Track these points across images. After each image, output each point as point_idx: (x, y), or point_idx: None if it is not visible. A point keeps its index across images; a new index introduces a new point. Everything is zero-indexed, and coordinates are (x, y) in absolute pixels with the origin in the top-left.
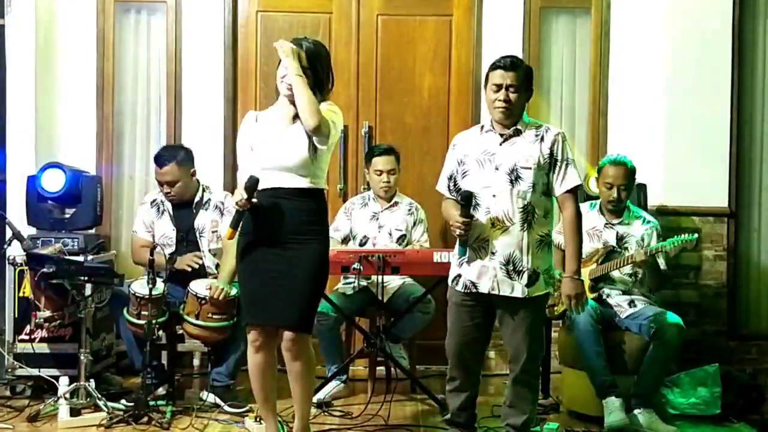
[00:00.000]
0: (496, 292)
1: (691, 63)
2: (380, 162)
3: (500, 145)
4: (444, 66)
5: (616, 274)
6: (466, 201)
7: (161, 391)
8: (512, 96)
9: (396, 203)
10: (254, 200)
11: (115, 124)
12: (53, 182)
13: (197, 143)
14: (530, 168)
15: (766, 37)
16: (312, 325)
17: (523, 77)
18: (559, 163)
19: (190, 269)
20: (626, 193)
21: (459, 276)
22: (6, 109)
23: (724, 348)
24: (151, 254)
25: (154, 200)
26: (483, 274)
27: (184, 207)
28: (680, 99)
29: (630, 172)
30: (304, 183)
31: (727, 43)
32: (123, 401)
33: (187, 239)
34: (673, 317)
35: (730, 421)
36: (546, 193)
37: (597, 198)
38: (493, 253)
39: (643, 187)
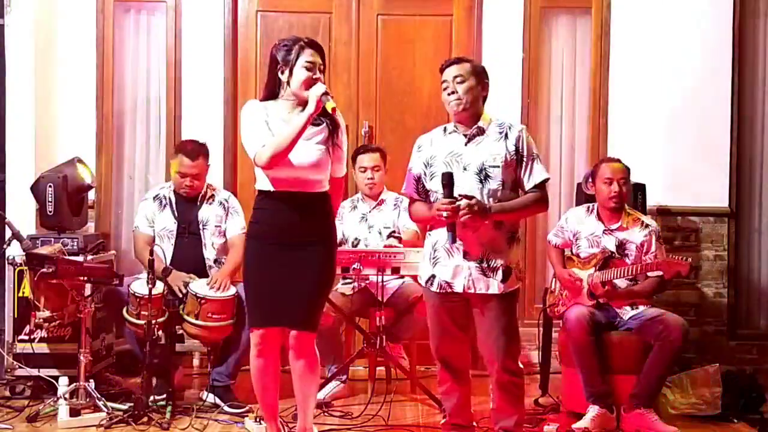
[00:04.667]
0: (471, 290)
1: (691, 63)
2: (365, 159)
3: (465, 145)
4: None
5: (618, 281)
6: (448, 181)
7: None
8: (459, 87)
9: (382, 201)
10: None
11: (115, 123)
12: (87, 175)
13: None
14: (498, 166)
15: (766, 37)
16: (317, 325)
17: (470, 69)
18: (525, 159)
19: (176, 288)
20: (626, 187)
21: (433, 276)
22: (6, 109)
23: (724, 348)
24: (151, 254)
25: (157, 195)
26: (458, 274)
27: (188, 200)
28: (680, 99)
29: (626, 168)
30: (319, 187)
31: (727, 43)
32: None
33: (189, 231)
34: (676, 317)
35: (730, 421)
36: (514, 189)
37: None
38: (466, 253)
39: (642, 187)
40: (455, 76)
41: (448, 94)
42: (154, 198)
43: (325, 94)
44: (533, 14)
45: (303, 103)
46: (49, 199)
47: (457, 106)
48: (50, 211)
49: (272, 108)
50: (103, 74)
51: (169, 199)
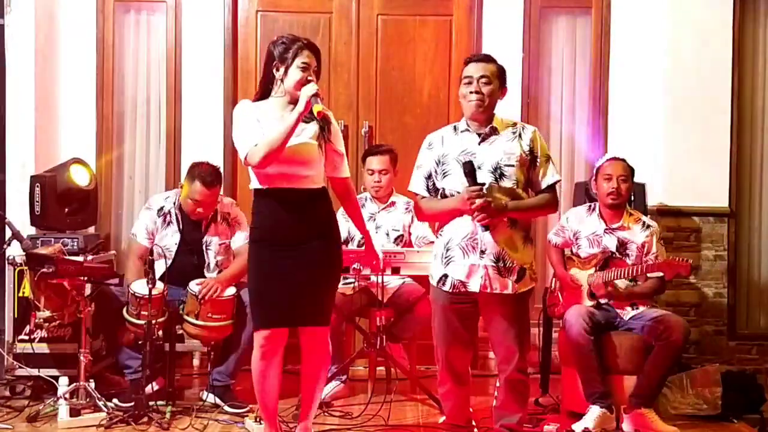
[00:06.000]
0: (488, 290)
1: (691, 63)
2: (373, 162)
3: (479, 144)
4: (444, 66)
5: (619, 282)
6: (470, 169)
7: (154, 386)
8: (484, 88)
9: (393, 203)
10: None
11: (115, 123)
12: (82, 177)
13: (197, 143)
14: (513, 165)
15: (766, 38)
16: (330, 318)
17: (495, 72)
18: (539, 160)
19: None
20: (626, 185)
21: (446, 276)
22: (6, 109)
23: (724, 348)
24: (151, 254)
25: (162, 208)
26: (473, 273)
27: (193, 221)
28: (680, 99)
29: (628, 167)
30: (312, 183)
31: (727, 43)
32: (115, 400)
33: (194, 251)
34: (678, 318)
35: (730, 421)
36: (525, 189)
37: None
38: (483, 252)
39: (642, 187)
40: (482, 76)
41: (471, 92)
42: (159, 211)
43: (316, 95)
44: (533, 14)
45: (296, 102)
46: (36, 200)
47: (477, 107)
48: (37, 212)
49: (264, 107)
50: (103, 74)
51: (176, 216)
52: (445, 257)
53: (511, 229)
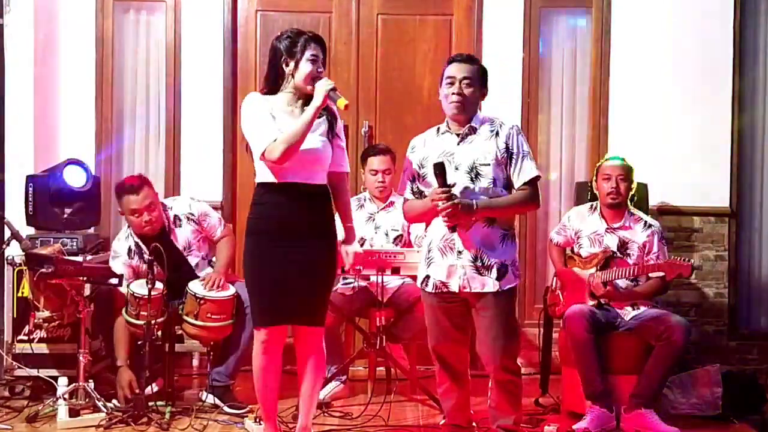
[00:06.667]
0: (467, 289)
1: (692, 63)
2: (375, 162)
3: (458, 144)
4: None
5: (619, 282)
6: (440, 170)
7: (154, 387)
8: (466, 89)
9: (392, 203)
10: None
11: (114, 123)
12: (76, 178)
13: (196, 142)
14: (489, 164)
15: (766, 38)
16: (325, 319)
17: (478, 73)
18: (515, 157)
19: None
20: (625, 185)
21: (428, 277)
22: (5, 109)
23: (724, 348)
24: (151, 254)
25: (129, 249)
26: (452, 273)
27: (157, 237)
28: (681, 98)
29: (627, 167)
30: (320, 179)
31: (728, 43)
32: (114, 401)
33: (177, 263)
34: (679, 318)
35: (730, 421)
36: (507, 187)
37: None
38: (460, 252)
39: (645, 187)
40: (465, 77)
41: (453, 93)
42: (128, 253)
43: (333, 90)
44: (533, 14)
45: (304, 96)
46: (30, 200)
47: (457, 108)
48: (30, 211)
49: (274, 101)
50: (102, 74)
51: (138, 246)
52: (427, 258)
53: (488, 228)
